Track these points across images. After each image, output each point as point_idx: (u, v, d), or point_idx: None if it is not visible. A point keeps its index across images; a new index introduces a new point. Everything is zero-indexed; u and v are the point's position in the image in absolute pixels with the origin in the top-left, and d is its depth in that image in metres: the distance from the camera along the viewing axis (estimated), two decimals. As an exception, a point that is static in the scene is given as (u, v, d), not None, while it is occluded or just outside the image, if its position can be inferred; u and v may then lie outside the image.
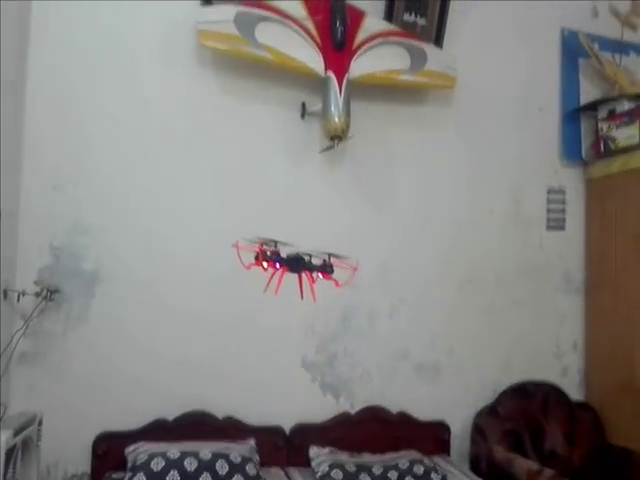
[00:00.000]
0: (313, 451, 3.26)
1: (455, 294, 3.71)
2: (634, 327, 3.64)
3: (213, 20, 3.21)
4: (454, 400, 3.67)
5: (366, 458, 3.29)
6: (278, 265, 2.60)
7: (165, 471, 2.82)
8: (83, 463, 3.05)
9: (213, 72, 3.35)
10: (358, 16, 3.49)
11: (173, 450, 2.94)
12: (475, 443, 3.64)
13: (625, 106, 3.79)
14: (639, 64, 4.13)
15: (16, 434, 2.57)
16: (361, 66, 3.41)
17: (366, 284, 3.41)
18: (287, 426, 3.34)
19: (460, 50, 3.72)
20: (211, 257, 3.27)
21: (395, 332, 3.59)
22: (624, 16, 4.05)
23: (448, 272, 3.68)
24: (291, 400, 3.38)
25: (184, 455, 2.92)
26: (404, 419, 3.52)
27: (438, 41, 3.70)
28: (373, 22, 3.53)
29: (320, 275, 2.63)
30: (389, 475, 3.12)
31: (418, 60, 3.55)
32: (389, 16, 3.63)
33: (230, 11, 3.24)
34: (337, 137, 3.29)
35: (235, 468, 2.93)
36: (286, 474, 3.21)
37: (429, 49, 3.61)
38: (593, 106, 3.96)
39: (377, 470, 3.15)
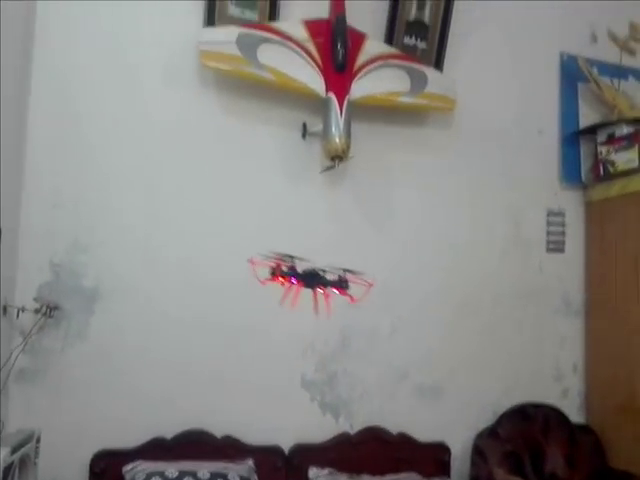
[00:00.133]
0: (312, 472, 3.18)
1: (455, 315, 3.66)
2: (634, 350, 3.58)
3: (215, 41, 3.20)
4: (454, 421, 3.60)
5: (365, 479, 3.21)
6: (294, 280, 2.56)
7: (163, 491, 2.76)
8: (81, 481, 3.00)
9: (215, 92, 3.33)
10: (359, 39, 3.47)
11: (171, 469, 2.88)
12: (475, 465, 3.55)
13: (624, 130, 3.76)
14: (638, 89, 4.11)
15: (14, 451, 2.48)
16: (362, 88, 3.38)
17: (366, 304, 3.32)
18: (286, 446, 3.26)
19: (460, 73, 3.70)
20: (212, 276, 3.23)
21: (395, 352, 3.52)
22: (622, 41, 4.01)
23: (448, 293, 3.63)
24: (290, 419, 3.31)
25: (182, 475, 2.87)
26: (404, 440, 3.45)
27: (438, 64, 3.69)
28: (374, 45, 3.52)
29: (335, 290, 2.59)
30: (389, 497, 3.05)
31: (418, 83, 3.53)
32: (390, 39, 3.62)
33: (232, 32, 3.23)
34: (338, 157, 3.26)
35: (234, 488, 2.88)
36: (285, 495, 3.15)
37: (429, 72, 3.59)
38: (592, 130, 3.93)
39: (377, 492, 3.09)
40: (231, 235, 3.31)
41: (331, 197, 3.48)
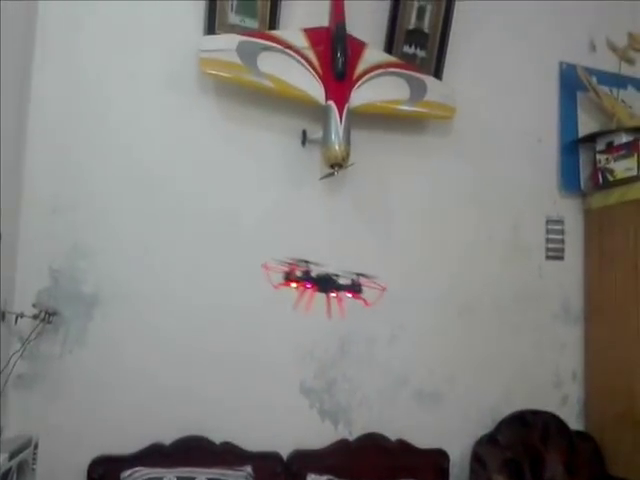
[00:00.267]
0: (311, 479, 3.10)
1: (454, 322, 3.60)
2: (634, 357, 3.52)
3: (216, 49, 3.16)
4: (453, 428, 3.53)
5: (364, 486, 3.15)
6: (309, 285, 2.50)
7: (161, 497, 2.70)
8: (78, 487, 2.94)
9: (215, 100, 3.28)
10: (359, 47, 3.43)
11: (169, 475, 2.83)
12: (474, 472, 3.49)
13: (623, 139, 3.72)
14: (637, 98, 4.06)
15: (11, 457, 2.45)
16: (361, 96, 3.34)
17: (366, 310, 3.27)
18: (285, 452, 3.19)
19: (460, 82, 3.65)
20: (210, 282, 3.18)
21: (394, 359, 3.46)
22: (621, 50, 3.96)
23: (448, 300, 3.57)
24: (289, 426, 3.25)
25: (181, 481, 2.82)
26: (403, 447, 3.38)
27: (438, 73, 3.64)
28: (374, 53, 3.47)
29: (349, 294, 2.53)
30: (387, 504, 2.98)
31: (418, 91, 3.49)
32: (389, 48, 3.57)
33: (233, 40, 3.19)
34: (337, 165, 3.21)
35: (231, 495, 2.82)
36: (283, 501, 3.08)
37: (429, 80, 3.54)
38: (591, 138, 3.89)
39: (375, 499, 3.04)
40: (231, 241, 3.26)
41: (330, 204, 3.43)
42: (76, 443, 2.92)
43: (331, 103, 3.24)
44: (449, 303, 3.59)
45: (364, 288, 2.54)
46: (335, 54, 3.29)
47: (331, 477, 3.12)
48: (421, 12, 3.59)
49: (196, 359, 3.14)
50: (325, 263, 2.67)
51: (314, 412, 3.32)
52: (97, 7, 3.14)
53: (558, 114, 3.97)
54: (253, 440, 3.13)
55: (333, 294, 2.52)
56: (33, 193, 2.97)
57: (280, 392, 3.26)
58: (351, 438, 3.35)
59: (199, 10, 3.26)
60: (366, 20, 3.52)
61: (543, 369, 3.78)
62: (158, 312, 3.11)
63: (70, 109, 3.07)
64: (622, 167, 3.67)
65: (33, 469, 2.72)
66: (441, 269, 3.58)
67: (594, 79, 3.94)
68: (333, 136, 3.19)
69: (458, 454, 3.51)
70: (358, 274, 2.54)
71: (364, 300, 2.56)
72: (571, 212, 3.92)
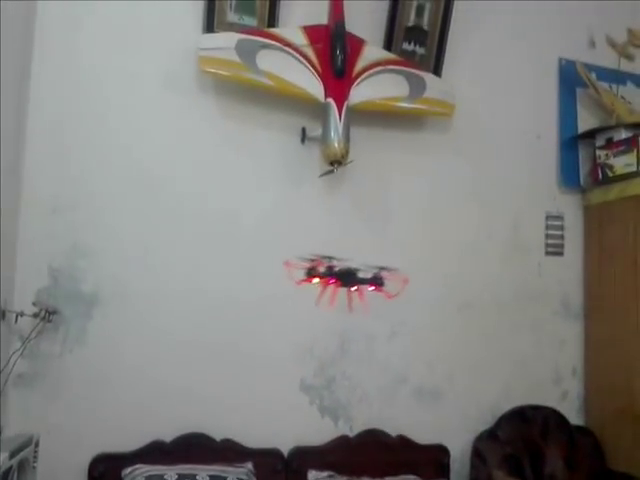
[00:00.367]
0: (311, 475, 3.06)
1: (454, 319, 3.54)
2: (633, 353, 3.46)
3: (215, 47, 3.10)
4: (453, 424, 3.48)
5: (365, 482, 3.11)
6: (333, 280, 2.49)
7: (162, 494, 2.67)
8: (79, 485, 2.90)
9: (214, 98, 3.23)
10: (358, 44, 3.37)
11: (170, 473, 2.79)
12: (475, 467, 3.44)
13: (622, 135, 3.66)
14: (636, 93, 3.99)
15: (12, 456, 2.41)
16: (361, 93, 3.28)
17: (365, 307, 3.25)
18: (285, 449, 3.15)
19: (459, 78, 3.59)
20: (210, 281, 3.14)
21: (394, 356, 3.41)
22: (621, 46, 3.93)
23: (447, 296, 3.52)
24: (289, 423, 3.20)
25: (181, 478, 2.78)
26: (403, 443, 3.33)
27: (437, 70, 3.58)
28: (373, 50, 3.41)
29: (371, 288, 2.53)
30: (388, 500, 2.94)
31: (417, 88, 3.42)
32: (389, 45, 3.50)
33: (232, 38, 3.13)
34: (337, 162, 3.16)
35: (233, 492, 2.78)
36: (284, 498, 3.04)
37: (428, 77, 3.48)
38: (591, 134, 3.83)
39: (376, 495, 2.99)
40: (231, 240, 3.21)
41: (330, 201, 3.37)
42: (77, 441, 2.88)
43: (330, 100, 3.18)
44: (449, 300, 3.53)
45: (385, 281, 2.53)
46: (334, 51, 3.23)
47: (332, 473, 3.08)
48: (420, 9, 3.52)
49: (196, 357, 3.09)
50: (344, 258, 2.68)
51: (314, 409, 3.27)
52: (96, 6, 3.08)
53: (557, 110, 3.90)
54: (253, 437, 3.08)
55: (354, 288, 2.51)
56: (33, 192, 2.92)
57: (280, 389, 3.21)
58: (351, 434, 3.30)
59: (198, 9, 3.20)
60: (365, 17, 3.46)
61: (543, 365, 3.72)
62: (158, 311, 3.06)
63: (69, 109, 3.02)
64: (622, 163, 3.61)
65: (34, 467, 2.68)
66: (441, 266, 3.52)
67: (593, 75, 3.88)
68: (332, 133, 3.13)
69: (458, 450, 3.45)
70: (380, 267, 2.53)
71: (386, 292, 2.54)
72: (571, 208, 3.86)
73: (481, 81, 3.72)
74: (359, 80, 3.30)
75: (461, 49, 3.64)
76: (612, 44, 3.94)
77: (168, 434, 2.98)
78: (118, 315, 3.00)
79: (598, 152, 3.76)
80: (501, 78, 3.78)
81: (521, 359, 3.66)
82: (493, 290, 3.63)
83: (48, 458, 2.76)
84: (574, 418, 3.70)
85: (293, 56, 3.22)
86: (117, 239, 3.04)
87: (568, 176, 3.87)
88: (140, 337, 3.03)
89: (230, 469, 2.91)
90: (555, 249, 3.81)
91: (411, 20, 3.53)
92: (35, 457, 2.69)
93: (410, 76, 3.43)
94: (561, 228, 3.83)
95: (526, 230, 3.76)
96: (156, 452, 2.93)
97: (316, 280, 2.51)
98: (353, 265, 2.53)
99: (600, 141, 3.78)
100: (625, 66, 3.96)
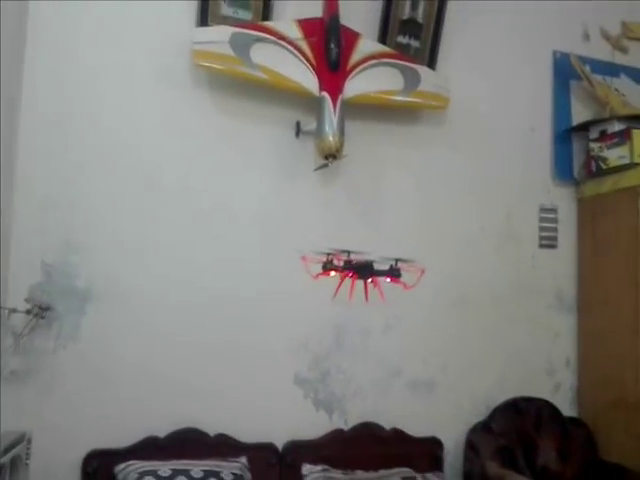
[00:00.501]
0: (306, 468, 2.97)
1: (448, 311, 3.43)
2: (626, 345, 3.38)
3: (209, 41, 2.98)
4: (447, 417, 3.38)
5: (359, 475, 3.01)
6: (351, 273, 2.40)
7: (156, 490, 2.58)
8: (73, 482, 2.80)
9: (208, 92, 3.11)
10: (353, 37, 3.25)
11: (164, 468, 2.70)
12: (468, 459, 3.35)
13: (616, 127, 3.56)
14: (630, 86, 3.88)
15: (5, 453, 2.34)
16: (355, 87, 3.17)
17: (360, 301, 3.13)
18: (280, 443, 3.05)
19: (453, 72, 3.47)
20: (204, 276, 3.02)
21: (389, 349, 3.31)
22: (614, 39, 3.84)
23: (442, 290, 3.40)
24: (284, 417, 3.10)
25: (175, 473, 2.68)
26: (397, 435, 3.24)
27: (431, 63, 3.46)
28: (367, 44, 3.29)
29: (388, 279, 2.43)
30: (382, 492, 2.86)
31: (412, 81, 3.31)
32: (383, 38, 3.39)
33: (226, 32, 3.01)
34: (331, 156, 3.05)
35: (227, 486, 2.70)
36: (278, 492, 2.95)
37: (422, 70, 3.37)
38: (584, 127, 3.73)
39: (370, 488, 2.91)
40: (225, 234, 3.09)
41: (325, 195, 3.26)
42: (70, 438, 2.77)
43: (325, 94, 3.08)
44: (443, 292, 3.42)
45: (403, 272, 2.44)
46: (329, 45, 3.13)
47: (326, 467, 2.99)
48: (415, 2, 3.41)
49: (190, 352, 2.98)
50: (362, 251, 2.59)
51: (309, 402, 3.17)
52: (89, 1, 2.94)
53: (552, 103, 3.78)
54: (248, 431, 2.99)
55: (370, 280, 2.42)
56: (25, 188, 2.80)
57: (275, 383, 3.11)
58: (346, 428, 3.21)
59: (192, 2, 3.07)
60: (360, 10, 3.34)
61: (536, 357, 3.63)
62: (151, 307, 2.96)
63: (62, 105, 2.90)
64: (615, 155, 3.52)
65: (26, 464, 2.61)
66: (436, 259, 3.36)
67: (588, 68, 3.77)
68: (327, 127, 3.03)
69: (452, 442, 3.37)
70: (396, 259, 2.45)
71: (404, 284, 2.45)
72: (564, 201, 3.75)
73: (475, 74, 3.60)
74: (354, 73, 3.20)
75: (456, 42, 3.52)
76: (606, 37, 3.85)
77: (162, 429, 2.88)
78: (112, 311, 2.89)
79: (592, 144, 3.66)
80: (495, 71, 3.66)
81: (515, 351, 3.56)
82: (487, 283, 3.53)
83: (41, 454, 2.67)
84: (567, 409, 3.61)
85: (287, 50, 3.11)
86: (111, 234, 2.92)
87: (562, 169, 3.76)
88: (134, 333, 2.92)
89: (224, 464, 2.82)
90: (549, 242, 3.71)
91: (406, 13, 3.41)
92: (28, 454, 2.61)
93: (405, 69, 3.32)
94: (555, 221, 3.72)
95: (520, 223, 3.65)
96: (150, 448, 2.83)
97: (333, 274, 2.41)
98: (370, 258, 2.43)
99: (594, 133, 3.68)
100: (619, 59, 3.86)
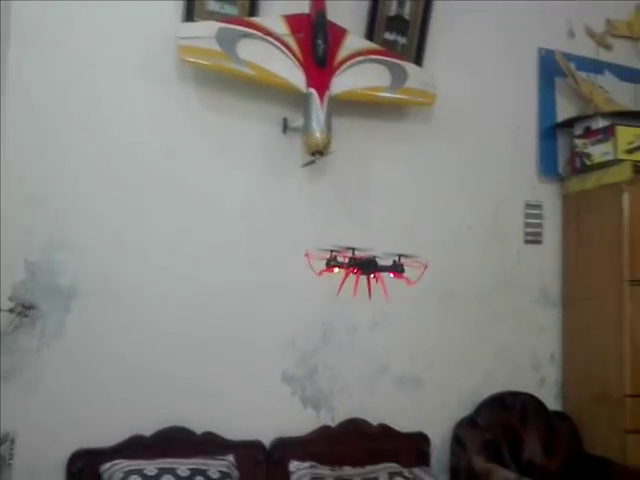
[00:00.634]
0: (293, 465, 2.85)
1: (436, 308, 3.32)
2: (609, 340, 3.29)
3: (195, 36, 2.83)
4: (434, 412, 3.27)
5: (346, 471, 2.90)
6: (355, 270, 2.34)
7: (142, 489, 2.46)
8: (57, 482, 2.67)
9: (194, 88, 2.96)
10: (340, 34, 3.12)
11: (150, 467, 2.58)
12: (455, 454, 3.26)
13: (600, 124, 3.45)
14: (614, 83, 3.77)
15: (-12, 454, 2.23)
16: (342, 83, 3.05)
17: (347, 298, 3.01)
18: (267, 440, 2.94)
19: (440, 68, 3.35)
20: (189, 272, 2.89)
21: (376, 346, 3.19)
22: (599, 36, 3.74)
23: (428, 286, 3.22)
24: (271, 414, 2.98)
25: (161, 472, 2.57)
26: (385, 431, 3.13)
27: (418, 59, 3.34)
28: (354, 40, 3.16)
29: (392, 275, 2.37)
30: (369, 488, 2.77)
31: (399, 78, 3.19)
32: (370, 34, 3.25)
33: (212, 27, 2.87)
34: (318, 152, 2.93)
35: (214, 485, 2.59)
36: (266, 489, 2.84)
37: (409, 67, 3.24)
38: (569, 123, 3.62)
39: (357, 484, 2.81)
40: (212, 230, 2.96)
41: (312, 192, 3.13)
42: (55, 437, 2.64)
43: (312, 90, 2.95)
44: (430, 288, 3.24)
45: (406, 267, 2.37)
46: (316, 41, 3.00)
47: (314, 463, 2.88)
48: (402, -1, 3.29)
49: (176, 351, 2.86)
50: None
51: (296, 399, 3.05)
52: (73, -6, 2.81)
53: (537, 99, 3.66)
54: (235, 429, 2.86)
55: (373, 276, 2.36)
56: (8, 185, 2.62)
57: (262, 380, 2.98)
58: (333, 424, 3.09)
59: (178, -3, 2.94)
60: (347, 6, 3.20)
61: (522, 352, 3.52)
62: (136, 305, 2.82)
63: (45, 100, 2.74)
64: (599, 151, 3.41)
65: (10, 464, 2.49)
66: (422, 255, 3.25)
67: (572, 65, 3.65)
68: (314, 123, 2.91)
69: (439, 437, 3.27)
70: (399, 255, 2.38)
71: (407, 279, 2.38)
72: (549, 197, 3.64)
73: (462, 71, 3.47)
74: (341, 70, 3.07)
75: (442, 39, 3.39)
76: (591, 34, 3.74)
77: (148, 428, 2.75)
78: (96, 309, 2.75)
79: (576, 141, 3.56)
80: (482, 68, 3.54)
81: (501, 346, 3.46)
82: (473, 279, 3.42)
83: (25, 454, 2.55)
84: (552, 404, 3.51)
85: (274, 45, 2.97)
86: (95, 231, 2.78)
87: (547, 165, 3.65)
88: (119, 331, 2.78)
89: (211, 462, 2.71)
90: (534, 237, 3.60)
91: (393, 10, 3.28)
92: (11, 454, 2.50)
93: (392, 66, 3.20)
94: (540, 217, 3.61)
95: (506, 219, 3.54)
96: (136, 447, 2.70)
97: (337, 270, 2.35)
98: (373, 254, 2.35)
99: (578, 130, 3.58)
100: (603, 56, 3.76)
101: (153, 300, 2.84)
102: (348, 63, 3.10)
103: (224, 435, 2.85)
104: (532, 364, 3.54)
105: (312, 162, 2.99)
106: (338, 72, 3.06)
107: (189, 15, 2.93)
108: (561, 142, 3.68)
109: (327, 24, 3.05)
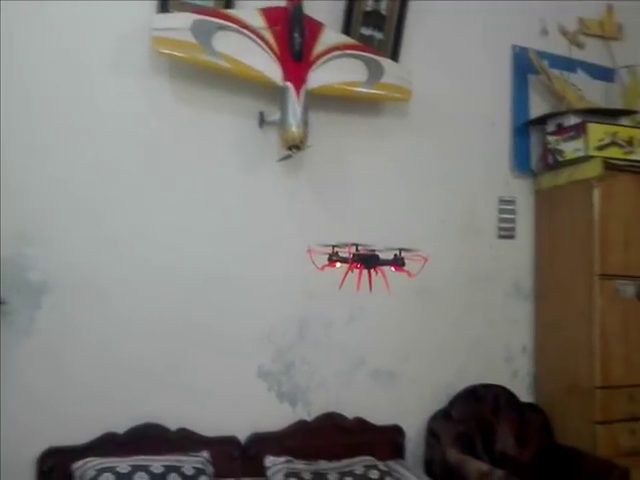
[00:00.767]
0: (269, 460, 2.70)
1: (410, 301, 3.17)
2: (580, 332, 3.22)
3: (169, 27, 2.67)
4: (409, 405, 3.17)
5: (322, 465, 2.76)
6: (358, 265, 2.28)
7: (115, 487, 2.31)
8: (28, 480, 2.50)
9: (168, 81, 2.80)
10: (316, 28, 2.97)
11: (123, 465, 2.43)
12: (429, 446, 3.16)
13: (572, 120, 3.36)
14: (586, 81, 3.67)
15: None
16: (319, 77, 2.91)
17: (323, 292, 2.89)
18: (243, 436, 2.80)
19: (416, 64, 3.21)
20: (164, 268, 2.74)
21: (351, 340, 3.06)
22: (572, 35, 3.64)
23: (403, 281, 3.11)
24: (247, 410, 2.84)
25: (135, 469, 2.42)
26: (360, 425, 3.02)
27: (395, 55, 3.21)
28: (331, 35, 3.02)
29: (393, 268, 2.32)
30: (345, 481, 2.66)
31: (375, 73, 3.06)
32: (347, 29, 3.11)
33: (187, 19, 2.71)
34: (295, 146, 2.80)
35: (188, 481, 2.44)
36: (240, 485, 2.70)
37: (386, 62, 3.11)
38: (542, 120, 3.52)
39: (333, 477, 2.68)
40: (186, 225, 2.81)
41: (288, 186, 2.99)
42: (24, 435, 2.48)
43: (288, 84, 2.82)
44: (405, 284, 3.11)
45: (407, 261, 2.31)
46: (292, 34, 2.86)
47: (290, 458, 2.73)
48: (379, -6, 3.15)
49: (150, 346, 2.71)
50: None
51: (272, 395, 2.92)
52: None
53: (510, 96, 3.55)
54: (210, 425, 2.72)
55: (374, 270, 2.30)
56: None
57: (238, 376, 2.84)
58: (309, 419, 2.97)
59: (152, -13, 2.76)
60: (323, 1, 3.05)
61: (495, 345, 3.42)
62: (108, 300, 2.66)
63: (15, 91, 2.55)
64: (571, 148, 3.32)
65: (-22, 464, 2.32)
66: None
67: (546, 62, 3.55)
68: (291, 118, 2.78)
69: (414, 430, 3.16)
70: (400, 249, 2.33)
71: (408, 272, 2.33)
72: (522, 192, 3.54)
73: (437, 67, 3.34)
74: (317, 64, 2.94)
75: (418, 35, 3.26)
76: (564, 32, 3.64)
77: (121, 425, 2.60)
78: (67, 305, 2.58)
79: (549, 137, 3.47)
80: (457, 65, 3.42)
81: (474, 340, 3.36)
82: (447, 273, 3.28)
83: (-5, 453, 2.39)
84: (524, 396, 3.42)
85: (251, 38, 2.82)
86: (66, 225, 2.61)
87: (520, 161, 3.55)
88: (91, 327, 2.63)
89: (185, 458, 2.56)
90: (507, 232, 3.50)
91: (369, 5, 3.15)
92: (-20, 453, 2.33)
93: (368, 61, 3.07)
94: (513, 212, 3.51)
95: (479, 214, 3.43)
96: (108, 444, 2.56)
97: (339, 265, 2.29)
98: (375, 248, 2.29)
99: (551, 127, 3.49)
100: (576, 54, 3.65)
101: (126, 295, 2.69)
102: (325, 57, 2.96)
103: (199, 431, 2.72)
104: (505, 357, 3.45)
105: (289, 156, 2.86)
106: (315, 66, 2.93)
107: (164, 6, 2.77)
108: (534, 138, 3.59)
109: (304, 18, 2.91)
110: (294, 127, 2.77)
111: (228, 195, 2.89)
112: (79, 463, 2.43)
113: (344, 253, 2.27)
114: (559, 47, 3.61)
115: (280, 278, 2.89)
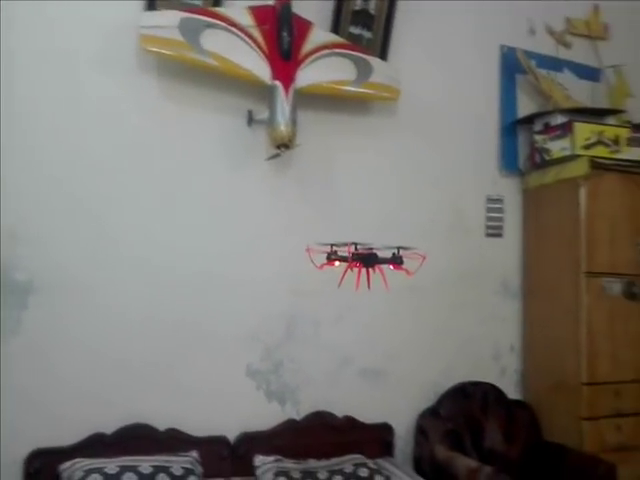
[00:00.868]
0: (258, 460, 2.64)
1: (398, 299, 3.05)
2: (567, 330, 3.17)
3: (157, 25, 2.59)
4: (398, 403, 3.09)
5: (312, 464, 2.70)
6: (358, 264, 2.26)
7: (103, 488, 2.23)
8: (14, 482, 2.41)
9: (156, 80, 2.71)
10: (305, 27, 2.90)
11: (111, 465, 2.35)
12: (418, 444, 3.09)
13: (559, 120, 3.30)
14: (573, 80, 3.61)
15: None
16: (307, 76, 2.83)
17: (312, 290, 2.82)
18: (232, 435, 2.72)
19: (404, 63, 3.14)
20: (151, 266, 2.66)
21: (340, 338, 2.99)
22: (559, 35, 3.57)
23: (392, 279, 3.05)
24: (236, 409, 2.76)
25: (123, 470, 2.34)
26: (349, 423, 2.94)
27: (383, 54, 3.13)
28: (320, 33, 2.94)
29: (391, 267, 2.30)
30: (334, 480, 2.59)
31: (364, 72, 2.98)
32: (336, 28, 3.03)
33: (175, 17, 2.63)
34: (283, 145, 2.72)
35: (177, 482, 2.37)
36: (230, 485, 2.62)
37: (374, 61, 3.03)
38: (530, 119, 3.45)
39: (322, 475, 2.62)
40: (174, 223, 2.73)
41: (276, 185, 2.91)
42: (11, 436, 2.39)
43: (277, 83, 2.74)
44: (393, 281, 3.06)
45: (405, 259, 2.30)
46: (281, 33, 2.78)
47: (279, 457, 2.67)
48: (367, -7, 3.07)
49: (138, 346, 2.63)
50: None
51: (261, 394, 2.84)
52: (30, -20, 2.52)
53: (498, 96, 3.47)
54: (199, 425, 2.64)
55: (372, 269, 2.28)
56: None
57: (226, 375, 2.76)
58: (298, 417, 2.89)
59: (139, -15, 2.67)
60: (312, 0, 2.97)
61: (484, 343, 3.35)
62: (95, 299, 2.58)
63: (4, 89, 2.46)
64: (558, 147, 3.26)
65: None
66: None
67: (533, 62, 3.49)
68: (279, 116, 2.70)
69: (403, 427, 3.09)
70: (398, 247, 2.31)
71: (406, 270, 2.31)
72: (510, 191, 3.46)
73: (426, 66, 3.27)
74: (306, 63, 2.85)
75: (407, 34, 3.19)
76: (551, 32, 3.57)
77: (109, 426, 2.52)
78: (54, 305, 2.50)
79: (536, 137, 3.40)
80: (445, 64, 3.34)
81: (462, 337, 3.28)
82: (436, 271, 3.11)
83: (-20, 455, 2.29)
84: (512, 393, 3.35)
85: (239, 37, 2.74)
86: (53, 225, 2.53)
87: (508, 160, 3.48)
88: (77, 327, 2.54)
89: (174, 459, 2.49)
90: (495, 231, 3.43)
91: (358, 4, 3.07)
92: (-34, 455, 2.24)
93: (357, 60, 2.99)
94: (501, 211, 3.43)
95: (467, 213, 3.36)
96: (96, 445, 2.47)
97: (338, 263, 2.24)
98: (374, 246, 2.27)
99: (538, 126, 3.42)
100: (563, 54, 3.57)
101: (114, 295, 2.61)
102: (313, 56, 2.88)
103: (188, 431, 2.63)
104: (493, 354, 3.38)
105: (277, 155, 2.79)
106: (303, 65, 2.84)
107: (151, 4, 2.68)
108: (522, 137, 3.52)
109: (292, 17, 2.84)
110: (282, 126, 2.69)
111: (216, 194, 2.81)
112: (67, 464, 2.35)
113: (343, 252, 2.23)
114: (546, 47, 3.54)
115: (268, 277, 2.82)
